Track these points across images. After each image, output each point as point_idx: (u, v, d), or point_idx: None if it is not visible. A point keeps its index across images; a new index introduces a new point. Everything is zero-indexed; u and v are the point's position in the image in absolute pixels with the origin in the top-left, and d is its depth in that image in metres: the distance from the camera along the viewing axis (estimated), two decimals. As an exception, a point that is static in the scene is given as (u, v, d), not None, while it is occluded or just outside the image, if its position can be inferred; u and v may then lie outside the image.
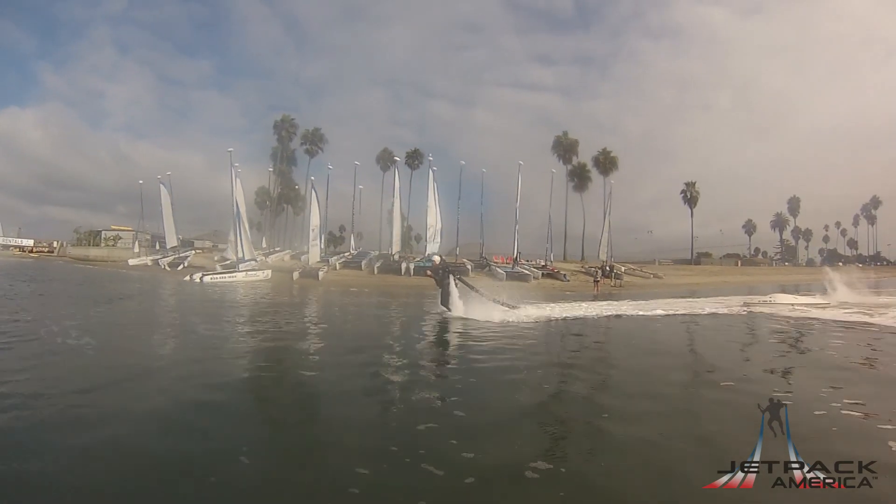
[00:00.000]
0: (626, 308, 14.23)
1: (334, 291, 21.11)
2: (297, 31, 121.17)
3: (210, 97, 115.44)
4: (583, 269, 38.69)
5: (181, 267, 34.70)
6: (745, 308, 13.95)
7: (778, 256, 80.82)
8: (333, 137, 51.65)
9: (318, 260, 29.83)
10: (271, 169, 47.99)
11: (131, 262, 39.11)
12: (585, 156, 53.53)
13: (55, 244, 55.62)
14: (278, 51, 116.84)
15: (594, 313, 13.18)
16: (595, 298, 20.64)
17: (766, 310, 13.64)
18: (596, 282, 28.50)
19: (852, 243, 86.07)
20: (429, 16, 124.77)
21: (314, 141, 50.23)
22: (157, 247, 42.71)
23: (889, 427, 3.90)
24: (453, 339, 8.89)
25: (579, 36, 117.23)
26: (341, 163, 50.43)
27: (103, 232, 55.94)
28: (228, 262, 31.97)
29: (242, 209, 30.44)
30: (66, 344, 6.85)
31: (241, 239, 27.03)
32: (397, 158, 36.85)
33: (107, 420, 3.78)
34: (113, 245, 52.25)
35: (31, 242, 55.88)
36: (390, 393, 4.93)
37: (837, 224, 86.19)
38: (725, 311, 13.63)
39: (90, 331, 7.97)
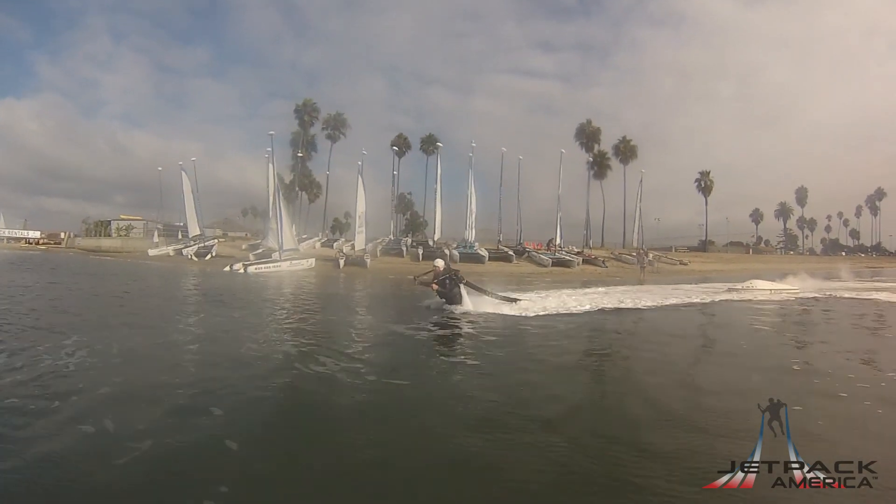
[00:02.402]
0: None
1: (393, 280, 20.42)
2: (294, 18, 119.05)
3: (207, 85, 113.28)
4: (613, 256, 38.56)
5: (209, 257, 33.77)
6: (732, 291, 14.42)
7: (781, 245, 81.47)
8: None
9: (364, 247, 29.13)
10: (301, 154, 46.66)
11: (151, 252, 37.96)
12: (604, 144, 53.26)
13: (62, 235, 54.12)
14: (276, 38, 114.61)
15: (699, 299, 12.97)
16: (642, 283, 20.59)
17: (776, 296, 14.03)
18: (642, 268, 28.43)
19: (854, 233, 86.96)
20: (428, 3, 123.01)
21: (336, 126, 49.07)
22: (179, 236, 41.59)
23: None
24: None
25: (580, 23, 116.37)
26: (341, 149, 49.03)
27: (113, 222, 54.51)
28: (261, 250, 31.17)
29: (270, 196, 29.78)
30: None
31: (281, 227, 26.13)
32: (440, 144, 34.99)
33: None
34: (126, 235, 50.90)
35: (37, 234, 54.31)
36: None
37: (840, 214, 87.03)
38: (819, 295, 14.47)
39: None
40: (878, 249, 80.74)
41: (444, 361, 5.61)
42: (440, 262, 10.35)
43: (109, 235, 52.27)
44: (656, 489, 2.76)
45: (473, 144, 32.62)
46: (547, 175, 35.96)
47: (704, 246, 62.55)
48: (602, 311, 10.42)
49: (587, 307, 10.60)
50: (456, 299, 9.92)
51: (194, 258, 33.84)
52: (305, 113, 48.18)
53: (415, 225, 59.13)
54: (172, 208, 44.80)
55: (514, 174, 34.04)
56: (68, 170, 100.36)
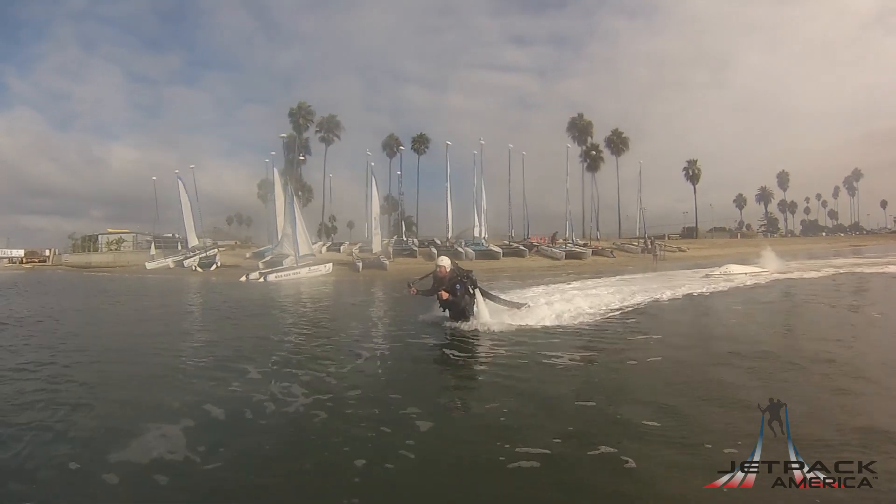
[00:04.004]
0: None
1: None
2: (266, 19, 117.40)
3: (180, 93, 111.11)
4: (616, 246, 39.07)
5: (213, 267, 32.99)
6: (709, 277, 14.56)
7: (763, 229, 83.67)
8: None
9: (380, 249, 28.85)
10: (302, 157, 45.94)
11: (149, 265, 36.94)
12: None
13: (48, 253, 52.25)
14: (248, 41, 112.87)
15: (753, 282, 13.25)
16: (656, 270, 21.25)
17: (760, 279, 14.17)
18: (654, 256, 29.03)
19: (833, 214, 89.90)
20: (401, 0, 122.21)
21: (330, 128, 48.48)
22: (179, 247, 40.57)
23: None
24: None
25: (553, 15, 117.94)
26: (318, 151, 48.31)
27: (101, 236, 52.85)
28: (269, 258, 30.58)
29: (279, 200, 29.26)
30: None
31: (296, 233, 25.68)
32: (448, 143, 34.71)
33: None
34: (117, 249, 49.40)
35: (20, 252, 52.28)
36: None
37: (818, 196, 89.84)
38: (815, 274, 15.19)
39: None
40: (856, 228, 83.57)
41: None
42: (445, 261, 7.64)
43: (98, 250, 50.69)
44: (656, 489, 2.77)
45: (482, 142, 32.67)
46: (526, 169, 35.84)
47: (695, 232, 63.92)
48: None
49: (641, 299, 10.08)
50: (467, 311, 7.36)
51: (198, 269, 33.03)
52: (300, 116, 47.46)
53: (405, 224, 58.85)
54: (156, 219, 43.75)
55: (497, 169, 34.10)
56: (43, 185, 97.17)
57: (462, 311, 7.33)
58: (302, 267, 24.89)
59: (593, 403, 4.04)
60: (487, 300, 7.81)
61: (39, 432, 3.49)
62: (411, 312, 8.77)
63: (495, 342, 6.31)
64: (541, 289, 12.26)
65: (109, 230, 54.23)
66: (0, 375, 5.15)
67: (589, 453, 3.19)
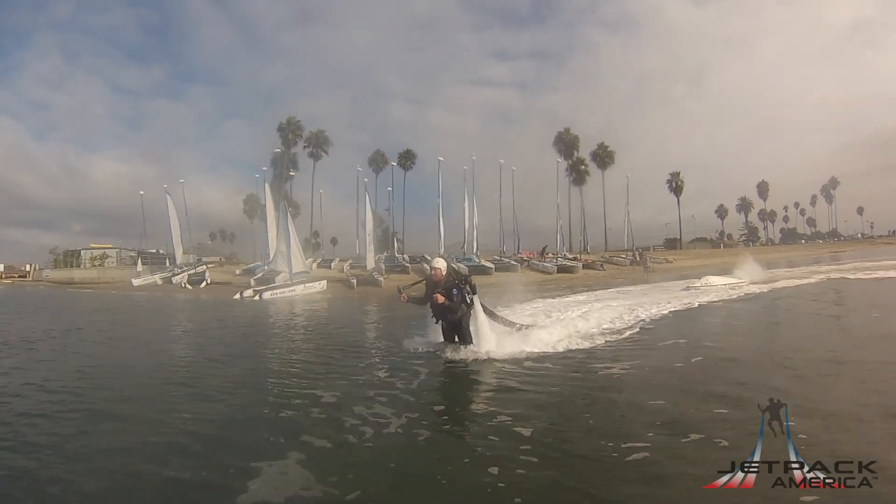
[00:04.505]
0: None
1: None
2: (250, 34, 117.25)
3: (162, 106, 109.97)
4: (604, 259, 39.64)
5: (203, 284, 32.53)
6: (687, 290, 14.27)
7: (743, 238, 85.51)
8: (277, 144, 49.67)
9: (374, 265, 28.86)
10: (292, 173, 45.68)
11: (136, 282, 36.26)
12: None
13: (28, 268, 51.02)
14: (232, 55, 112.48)
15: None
16: (648, 282, 21.35)
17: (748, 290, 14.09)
18: (646, 268, 29.55)
19: (811, 222, 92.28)
20: (384, 16, 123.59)
21: (318, 143, 48.44)
22: (167, 263, 39.98)
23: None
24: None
25: (535, 30, 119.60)
26: (304, 166, 48.34)
27: (83, 251, 51.81)
28: (260, 275, 30.24)
29: (270, 216, 29.14)
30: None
31: (290, 250, 25.60)
32: (441, 159, 34.36)
33: None
34: (100, 265, 48.45)
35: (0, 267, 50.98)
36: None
37: (796, 205, 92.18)
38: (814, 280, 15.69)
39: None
40: (834, 235, 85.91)
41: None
42: (441, 263, 6.70)
43: (80, 266, 49.68)
44: (656, 489, 2.78)
45: (474, 158, 33.08)
46: (506, 183, 36.36)
47: (680, 244, 65.12)
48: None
49: (656, 311, 9.86)
50: (464, 323, 6.47)
51: (188, 286, 32.48)
52: (290, 131, 47.36)
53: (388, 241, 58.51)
54: (144, 234, 43.12)
55: (481, 184, 34.24)
56: (21, 197, 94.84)
57: (458, 323, 6.45)
58: (297, 284, 24.77)
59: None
60: (492, 317, 7.01)
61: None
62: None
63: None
64: (540, 304, 12.14)
65: (92, 245, 53.23)
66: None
67: (589, 453, 3.24)
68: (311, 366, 6.43)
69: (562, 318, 9.39)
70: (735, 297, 12.68)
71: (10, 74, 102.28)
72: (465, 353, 6.33)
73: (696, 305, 11.09)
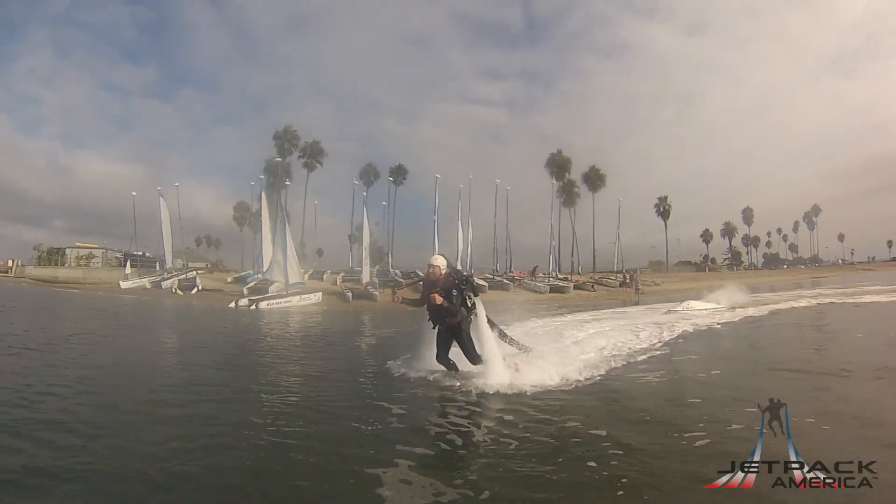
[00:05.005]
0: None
1: (413, 312, 20.24)
2: (245, 40, 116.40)
3: (152, 107, 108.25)
4: (594, 280, 40.20)
5: (195, 291, 32.17)
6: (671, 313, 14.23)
7: (727, 262, 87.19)
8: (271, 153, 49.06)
9: (369, 280, 28.96)
10: (288, 182, 45.32)
11: (124, 284, 35.74)
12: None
13: (10, 263, 49.81)
14: (225, 60, 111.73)
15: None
16: (638, 303, 22.01)
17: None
18: (637, 290, 30.01)
19: (793, 247, 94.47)
20: (378, 29, 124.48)
21: (313, 154, 48.49)
22: (157, 267, 39.51)
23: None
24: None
25: (526, 51, 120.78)
26: (298, 176, 48.24)
27: (68, 250, 50.86)
28: (253, 284, 30.02)
29: (265, 225, 29.09)
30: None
31: (286, 260, 25.62)
32: (438, 176, 33.86)
33: None
34: (86, 265, 47.60)
35: (-23, 261, 49.65)
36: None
37: (779, 230, 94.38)
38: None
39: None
40: (815, 261, 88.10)
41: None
42: (440, 260, 6.05)
43: (65, 264, 48.73)
44: (657, 489, 2.81)
45: (471, 177, 33.39)
46: (500, 202, 37.03)
47: (665, 266, 66.25)
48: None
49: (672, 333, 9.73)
50: (466, 338, 5.83)
51: (178, 292, 32.14)
52: (286, 140, 47.31)
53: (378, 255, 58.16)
54: (129, 236, 42.66)
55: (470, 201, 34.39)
56: (4, 190, 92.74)
57: (457, 328, 5.80)
58: (293, 295, 24.78)
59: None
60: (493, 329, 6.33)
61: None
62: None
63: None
64: (540, 322, 12.08)
65: (78, 244, 52.25)
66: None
67: (589, 453, 3.33)
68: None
69: (577, 339, 9.00)
70: (738, 319, 12.90)
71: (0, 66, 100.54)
72: (462, 379, 5.69)
73: (704, 328, 11.07)
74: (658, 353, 7.75)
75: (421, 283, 6.25)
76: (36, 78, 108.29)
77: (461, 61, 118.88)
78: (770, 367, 6.41)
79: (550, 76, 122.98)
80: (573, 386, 5.55)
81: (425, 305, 5.99)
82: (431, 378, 5.95)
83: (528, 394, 5.21)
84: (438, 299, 5.60)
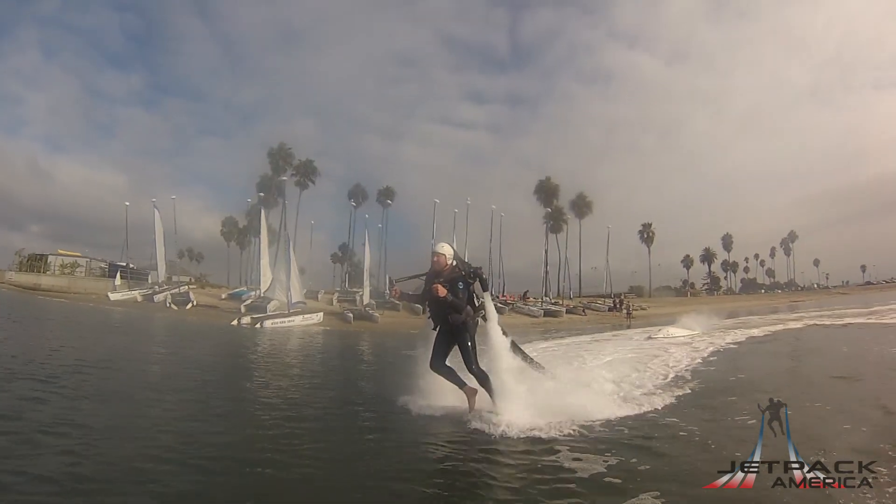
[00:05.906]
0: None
1: (416, 334, 20.35)
2: (233, 53, 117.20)
3: (137, 115, 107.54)
4: (583, 304, 41.13)
5: (189, 305, 31.74)
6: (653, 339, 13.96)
7: (706, 287, 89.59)
8: (263, 169, 48.98)
9: (368, 301, 29.22)
10: (284, 201, 45.24)
11: (112, 296, 35.09)
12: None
13: (-9, 269, 48.31)
14: (212, 72, 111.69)
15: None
16: (630, 327, 22.40)
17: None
18: (628, 314, 31.11)
19: (770, 272, 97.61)
20: (366, 47, 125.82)
21: (306, 173, 48.55)
22: (149, 280, 39.02)
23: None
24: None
25: (512, 76, 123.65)
26: (290, 194, 48.38)
27: (51, 257, 49.55)
28: (249, 301, 29.80)
29: (262, 242, 29.12)
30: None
31: (289, 278, 25.75)
32: (437, 200, 35.12)
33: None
34: (71, 273, 46.48)
35: (-48, 265, 48.06)
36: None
37: (756, 256, 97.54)
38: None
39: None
40: (792, 285, 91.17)
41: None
42: (446, 248, 5.18)
43: (48, 272, 47.43)
44: (657, 489, 2.83)
45: (468, 202, 34.05)
46: (479, 225, 38.47)
47: (647, 291, 67.79)
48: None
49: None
50: (470, 341, 4.99)
51: (173, 306, 31.58)
52: (280, 157, 47.30)
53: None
54: (109, 245, 42.26)
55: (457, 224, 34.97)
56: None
57: (461, 327, 4.98)
58: (295, 315, 24.87)
59: None
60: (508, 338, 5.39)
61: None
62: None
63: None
64: (543, 345, 12.09)
65: (61, 251, 50.92)
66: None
67: (589, 453, 3.42)
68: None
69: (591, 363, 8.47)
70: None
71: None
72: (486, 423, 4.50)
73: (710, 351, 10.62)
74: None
75: (423, 276, 5.36)
76: (20, 77, 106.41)
77: (447, 83, 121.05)
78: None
79: (535, 100, 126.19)
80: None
81: (426, 301, 5.27)
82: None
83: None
84: (441, 290, 4.87)
